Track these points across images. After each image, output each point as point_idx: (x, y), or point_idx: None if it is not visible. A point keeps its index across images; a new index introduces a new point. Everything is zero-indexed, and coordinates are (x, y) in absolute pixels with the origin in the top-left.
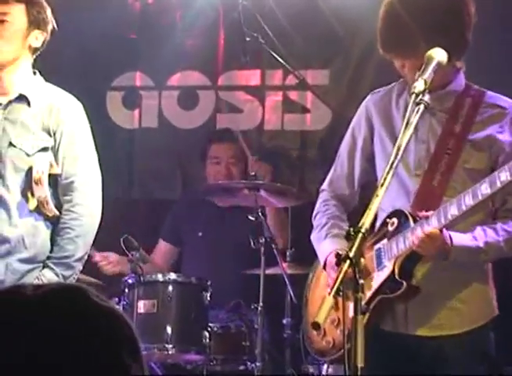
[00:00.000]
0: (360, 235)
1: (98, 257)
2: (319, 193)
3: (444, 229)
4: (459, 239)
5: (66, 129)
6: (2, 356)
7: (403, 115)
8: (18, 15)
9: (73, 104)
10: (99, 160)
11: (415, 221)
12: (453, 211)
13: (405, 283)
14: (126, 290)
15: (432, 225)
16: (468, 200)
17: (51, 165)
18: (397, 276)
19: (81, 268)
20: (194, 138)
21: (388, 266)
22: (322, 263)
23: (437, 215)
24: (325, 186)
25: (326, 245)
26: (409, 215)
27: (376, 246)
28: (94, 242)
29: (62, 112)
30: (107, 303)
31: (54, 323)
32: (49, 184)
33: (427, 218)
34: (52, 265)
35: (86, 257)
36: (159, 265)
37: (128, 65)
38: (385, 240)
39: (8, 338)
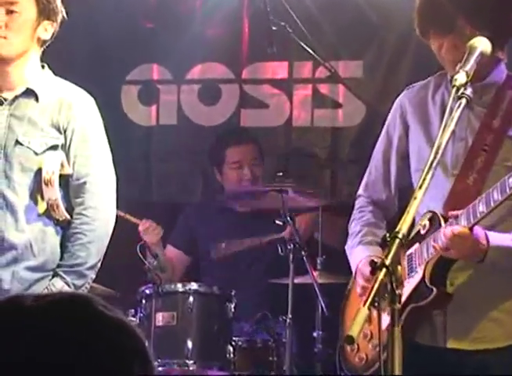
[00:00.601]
0: (397, 241)
1: (144, 224)
2: (356, 199)
3: (478, 228)
4: (498, 239)
5: (77, 126)
6: (1, 357)
7: (440, 111)
8: (27, 4)
9: (85, 99)
10: (113, 159)
11: (446, 222)
12: (482, 208)
13: (435, 289)
14: (143, 301)
15: (461, 223)
16: (496, 196)
17: (62, 165)
18: (427, 282)
19: (93, 277)
20: (216, 136)
21: (419, 272)
22: (354, 273)
23: (466, 213)
24: (360, 190)
25: (357, 253)
26: (440, 217)
27: (408, 251)
28: (107, 248)
29: (73, 107)
30: (114, 313)
31: (54, 327)
32: (60, 185)
33: (456, 217)
34: (62, 274)
35: (99, 265)
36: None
37: (144, 57)
38: (417, 245)
39: (6, 340)
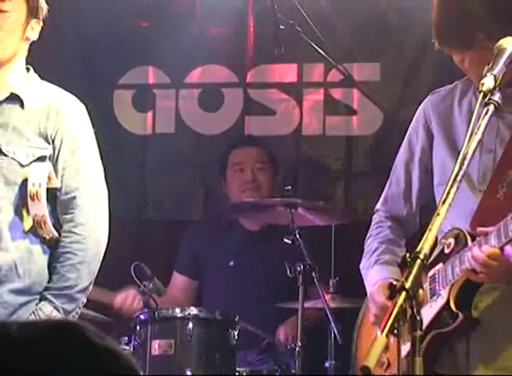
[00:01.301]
0: (418, 262)
1: (119, 299)
2: (374, 214)
3: (509, 247)
4: None
5: (66, 135)
6: None
7: (466, 119)
8: (17, 2)
9: (75, 105)
10: (105, 172)
11: (473, 240)
12: None
13: (461, 314)
14: (138, 327)
15: (490, 243)
16: None
17: (49, 178)
18: (452, 307)
19: (84, 300)
20: (218, 146)
21: (443, 295)
22: (368, 295)
23: (496, 231)
24: (379, 205)
25: (373, 274)
26: (466, 234)
27: (431, 272)
28: (99, 270)
29: (62, 115)
30: (108, 342)
31: (43, 357)
32: (47, 200)
33: (486, 234)
34: (50, 298)
35: (91, 287)
36: (178, 300)
37: (139, 59)
38: (440, 265)
39: None
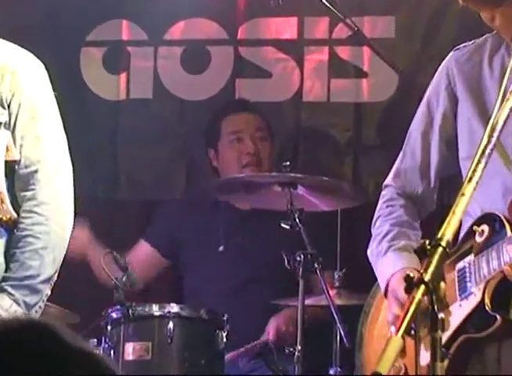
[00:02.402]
0: (440, 250)
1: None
2: (382, 190)
3: None
4: None
5: (24, 99)
6: None
7: (499, 80)
8: None
9: (33, 65)
10: (70, 143)
11: None
12: None
13: (499, 317)
14: (108, 327)
15: None
16: None
17: (7, 148)
18: (488, 308)
19: (49, 292)
20: (204, 114)
21: (476, 293)
22: (382, 288)
23: None
24: (389, 180)
25: (387, 262)
26: (504, 221)
27: (459, 265)
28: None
29: (18, 76)
30: (85, 345)
31: (12, 363)
32: (5, 175)
33: None
34: (9, 289)
35: (56, 277)
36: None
37: (111, 11)
38: (471, 257)
39: None
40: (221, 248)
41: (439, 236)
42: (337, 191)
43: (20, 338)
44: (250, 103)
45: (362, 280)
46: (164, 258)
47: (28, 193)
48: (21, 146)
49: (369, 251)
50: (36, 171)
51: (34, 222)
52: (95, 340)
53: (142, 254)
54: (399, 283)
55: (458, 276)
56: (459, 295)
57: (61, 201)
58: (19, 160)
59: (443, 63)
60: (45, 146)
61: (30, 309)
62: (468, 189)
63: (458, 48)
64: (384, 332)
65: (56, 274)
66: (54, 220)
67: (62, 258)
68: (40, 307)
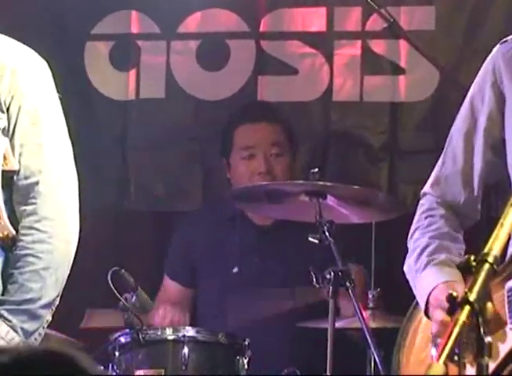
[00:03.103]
0: (486, 266)
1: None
2: (420, 199)
3: None
4: None
5: (25, 102)
6: None
7: None
8: None
9: (36, 63)
10: (75, 150)
11: None
12: None
13: None
14: (117, 353)
15: None
16: None
17: (5, 157)
18: None
19: (49, 318)
20: (222, 115)
21: None
22: (422, 306)
23: None
24: (427, 187)
25: (427, 278)
26: None
27: (509, 284)
28: (68, 277)
29: (19, 75)
30: (104, 372)
31: None
32: (2, 187)
33: None
34: (6, 315)
35: (58, 301)
36: (171, 311)
37: (119, 1)
38: None
39: None
40: (235, 270)
41: (486, 251)
42: (370, 201)
43: (35, 367)
44: (272, 110)
45: (398, 300)
46: (187, 288)
47: (28, 208)
48: (20, 154)
49: (405, 267)
50: (37, 183)
51: (34, 239)
52: (102, 368)
53: (172, 293)
54: (444, 292)
55: (508, 297)
56: (510, 318)
57: (65, 216)
58: (19, 171)
59: (488, 58)
60: (48, 154)
61: (29, 337)
62: None
63: (505, 41)
64: (422, 357)
65: (59, 298)
66: (57, 237)
67: (65, 279)
68: (40, 334)
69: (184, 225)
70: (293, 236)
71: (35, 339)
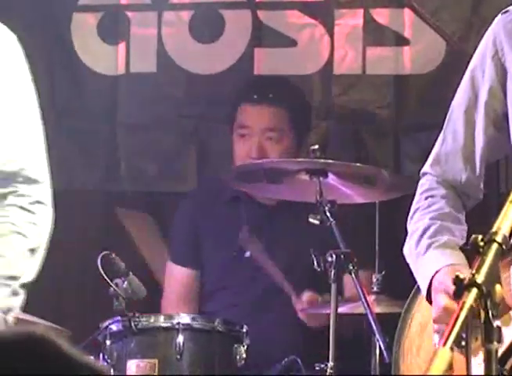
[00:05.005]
0: (495, 246)
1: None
2: (420, 179)
3: None
4: None
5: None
6: None
7: None
8: None
9: (4, 38)
10: (60, 126)
11: None
12: None
13: None
14: (107, 342)
15: None
16: None
17: None
18: None
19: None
20: (218, 90)
21: None
22: (424, 291)
23: None
24: (427, 166)
25: (429, 261)
26: None
27: None
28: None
29: None
30: (86, 358)
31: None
32: None
33: None
34: None
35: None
36: (183, 298)
37: None
38: None
39: None
40: (234, 253)
41: (494, 230)
42: (374, 180)
43: (18, 349)
44: (276, 91)
45: (404, 284)
46: (196, 270)
47: (12, 188)
48: None
49: (405, 250)
50: (23, 169)
51: (25, 220)
52: (92, 357)
53: (181, 279)
54: (448, 275)
55: None
56: None
57: (50, 199)
58: None
59: (489, 30)
60: (28, 137)
61: (7, 314)
62: None
63: (506, 11)
64: (427, 343)
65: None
66: (44, 222)
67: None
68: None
69: (185, 208)
70: (294, 216)
71: (11, 318)
